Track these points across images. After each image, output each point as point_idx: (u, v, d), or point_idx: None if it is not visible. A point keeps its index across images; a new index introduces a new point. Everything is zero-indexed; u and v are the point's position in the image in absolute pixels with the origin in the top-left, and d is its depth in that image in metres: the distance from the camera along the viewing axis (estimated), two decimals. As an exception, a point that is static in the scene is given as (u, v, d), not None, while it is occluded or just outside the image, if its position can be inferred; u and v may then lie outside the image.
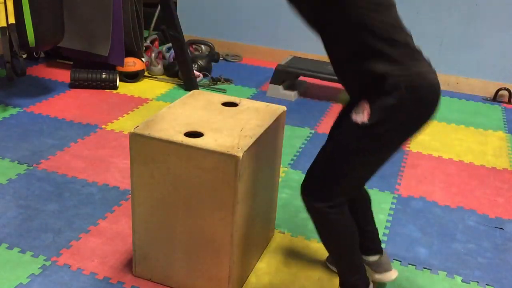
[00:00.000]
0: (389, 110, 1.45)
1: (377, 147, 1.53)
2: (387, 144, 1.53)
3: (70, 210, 2.23)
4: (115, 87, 3.54)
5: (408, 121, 1.50)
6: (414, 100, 1.45)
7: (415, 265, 2.06)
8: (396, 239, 2.20)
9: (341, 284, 1.76)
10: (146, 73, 3.83)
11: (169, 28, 3.53)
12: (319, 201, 1.58)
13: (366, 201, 1.86)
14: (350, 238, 1.68)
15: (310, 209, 1.63)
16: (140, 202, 1.75)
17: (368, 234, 1.85)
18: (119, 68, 3.62)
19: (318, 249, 2.10)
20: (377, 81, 1.44)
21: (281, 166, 2.05)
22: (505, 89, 3.86)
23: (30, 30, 2.91)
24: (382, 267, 1.87)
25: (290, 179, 2.58)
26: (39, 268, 1.89)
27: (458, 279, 2.01)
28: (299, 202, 2.39)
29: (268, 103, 1.95)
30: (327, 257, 2.01)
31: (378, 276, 1.87)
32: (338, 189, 1.58)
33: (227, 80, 3.86)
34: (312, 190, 1.60)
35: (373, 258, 1.86)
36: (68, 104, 3.27)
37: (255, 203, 1.80)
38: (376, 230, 1.88)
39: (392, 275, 1.88)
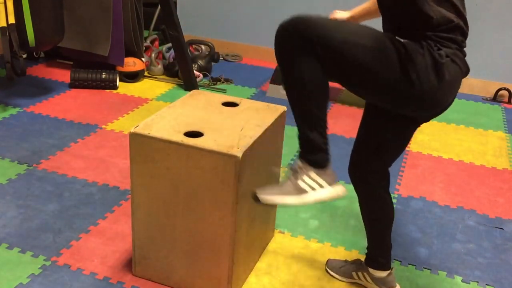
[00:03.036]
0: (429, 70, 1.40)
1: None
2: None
3: (70, 210, 2.23)
4: (115, 87, 3.54)
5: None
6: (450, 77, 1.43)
7: (415, 265, 2.06)
8: (396, 239, 2.20)
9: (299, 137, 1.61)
10: (146, 73, 3.84)
11: (169, 28, 3.53)
12: None
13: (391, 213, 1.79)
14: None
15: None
16: (140, 202, 1.75)
17: (384, 247, 1.80)
18: (119, 68, 3.62)
19: (318, 249, 2.10)
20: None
21: (281, 166, 2.04)
22: (505, 89, 3.86)
23: (30, 30, 2.91)
24: (387, 285, 1.82)
25: (290, 179, 2.57)
26: (39, 268, 1.89)
27: (458, 279, 2.01)
28: (299, 202, 2.40)
29: (268, 103, 1.95)
30: (327, 261, 2.00)
31: None
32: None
33: (227, 80, 3.86)
34: None
35: (382, 274, 1.81)
36: (68, 104, 3.27)
37: (255, 203, 1.80)
38: (390, 243, 1.82)
39: None
